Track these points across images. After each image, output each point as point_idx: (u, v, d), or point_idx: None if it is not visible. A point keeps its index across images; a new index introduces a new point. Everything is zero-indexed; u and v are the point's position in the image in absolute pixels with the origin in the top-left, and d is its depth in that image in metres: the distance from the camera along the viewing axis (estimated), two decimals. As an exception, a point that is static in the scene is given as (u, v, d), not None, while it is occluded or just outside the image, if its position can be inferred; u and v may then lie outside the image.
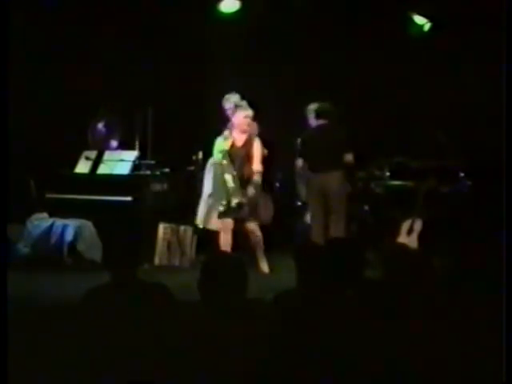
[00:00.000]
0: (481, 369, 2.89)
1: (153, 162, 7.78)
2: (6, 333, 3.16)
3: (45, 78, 8.36)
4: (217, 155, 7.00)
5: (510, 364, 2.93)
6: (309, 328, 3.01)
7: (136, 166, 7.83)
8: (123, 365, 2.91)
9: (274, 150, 7.45)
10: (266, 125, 7.68)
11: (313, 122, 7.48)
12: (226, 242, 6.91)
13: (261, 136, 7.23)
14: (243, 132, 6.95)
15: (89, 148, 8.17)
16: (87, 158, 7.96)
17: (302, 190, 7.69)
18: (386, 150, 8.10)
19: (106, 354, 2.98)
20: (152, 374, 2.84)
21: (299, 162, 7.40)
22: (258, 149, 6.98)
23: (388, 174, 7.91)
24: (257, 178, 6.94)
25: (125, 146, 8.28)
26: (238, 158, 6.95)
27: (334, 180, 7.18)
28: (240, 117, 6.92)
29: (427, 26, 8.81)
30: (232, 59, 8.82)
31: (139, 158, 7.90)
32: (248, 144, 6.97)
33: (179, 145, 7.95)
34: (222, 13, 8.69)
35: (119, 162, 7.90)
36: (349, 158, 7.16)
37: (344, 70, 8.65)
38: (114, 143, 8.47)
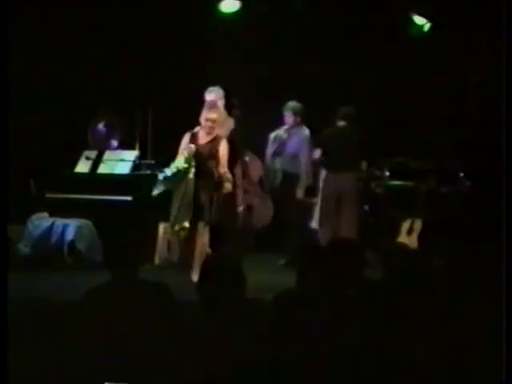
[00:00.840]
0: (481, 369, 2.88)
1: (153, 161, 7.77)
2: (6, 333, 3.15)
3: (45, 78, 8.36)
4: (181, 153, 6.84)
5: (510, 364, 2.91)
6: (308, 328, 3.00)
7: (136, 166, 7.83)
8: (123, 364, 2.91)
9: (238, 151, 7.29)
10: (267, 123, 7.71)
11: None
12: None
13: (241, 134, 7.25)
14: (208, 133, 6.71)
15: (89, 148, 8.17)
16: (87, 158, 7.95)
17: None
18: (386, 150, 8.09)
19: (106, 353, 2.97)
20: (152, 372, 2.84)
21: (317, 153, 7.54)
22: (223, 151, 6.68)
23: (388, 173, 7.91)
24: (225, 184, 6.70)
25: (125, 145, 8.28)
26: (201, 156, 6.68)
27: (350, 181, 7.38)
28: (203, 118, 6.70)
29: (427, 27, 8.81)
30: (232, 59, 8.82)
31: (139, 157, 7.90)
32: (212, 144, 6.69)
33: (179, 145, 7.93)
34: (222, 13, 8.70)
35: (119, 161, 7.89)
36: (363, 165, 7.49)
37: (344, 70, 8.65)
38: (114, 143, 8.48)
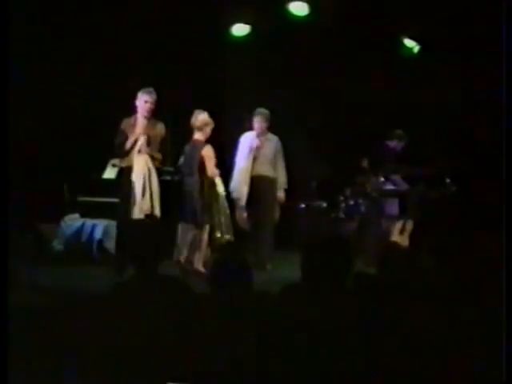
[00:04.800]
0: (481, 369, 2.72)
1: (171, 168, 7.68)
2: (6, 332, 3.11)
3: (75, 97, 8.33)
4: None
5: (510, 364, 2.75)
6: (310, 325, 2.92)
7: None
8: (139, 351, 2.86)
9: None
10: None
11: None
12: None
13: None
14: None
15: (115, 156, 8.13)
16: (113, 165, 7.94)
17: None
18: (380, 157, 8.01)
19: (127, 343, 2.94)
20: (169, 363, 2.78)
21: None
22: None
23: (382, 179, 7.81)
24: None
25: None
26: None
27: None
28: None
29: (416, 49, 8.79)
30: (242, 78, 8.82)
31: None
32: None
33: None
34: (234, 36, 8.68)
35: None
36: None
37: (342, 90, 8.64)
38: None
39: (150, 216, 6.41)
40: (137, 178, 6.41)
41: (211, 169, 6.82)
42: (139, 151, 6.43)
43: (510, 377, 2.75)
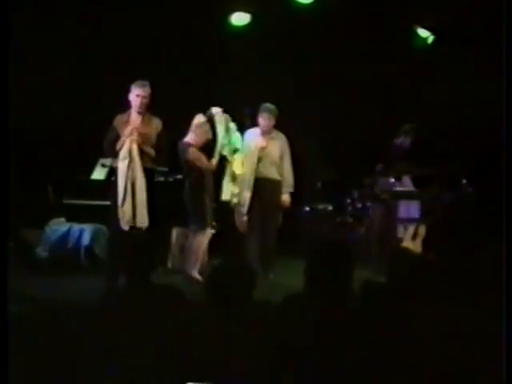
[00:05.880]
0: (481, 369, 2.82)
1: (165, 169, 7.73)
2: (6, 335, 3.14)
3: (62, 91, 8.38)
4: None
5: (510, 364, 2.86)
6: (314, 337, 2.96)
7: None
8: (136, 364, 2.90)
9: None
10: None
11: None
12: None
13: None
14: None
15: (104, 156, 8.17)
16: (103, 165, 7.97)
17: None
18: (389, 156, 8.04)
19: (119, 354, 2.97)
20: (162, 373, 2.82)
21: None
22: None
23: (393, 180, 7.83)
24: None
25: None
26: None
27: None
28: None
29: (430, 39, 8.83)
30: (242, 71, 8.85)
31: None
32: None
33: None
34: (234, 26, 8.73)
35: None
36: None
37: (351, 80, 8.67)
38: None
39: (133, 227, 6.32)
40: (120, 186, 6.28)
41: (205, 165, 6.96)
42: (124, 157, 6.27)
43: (510, 377, 2.84)
